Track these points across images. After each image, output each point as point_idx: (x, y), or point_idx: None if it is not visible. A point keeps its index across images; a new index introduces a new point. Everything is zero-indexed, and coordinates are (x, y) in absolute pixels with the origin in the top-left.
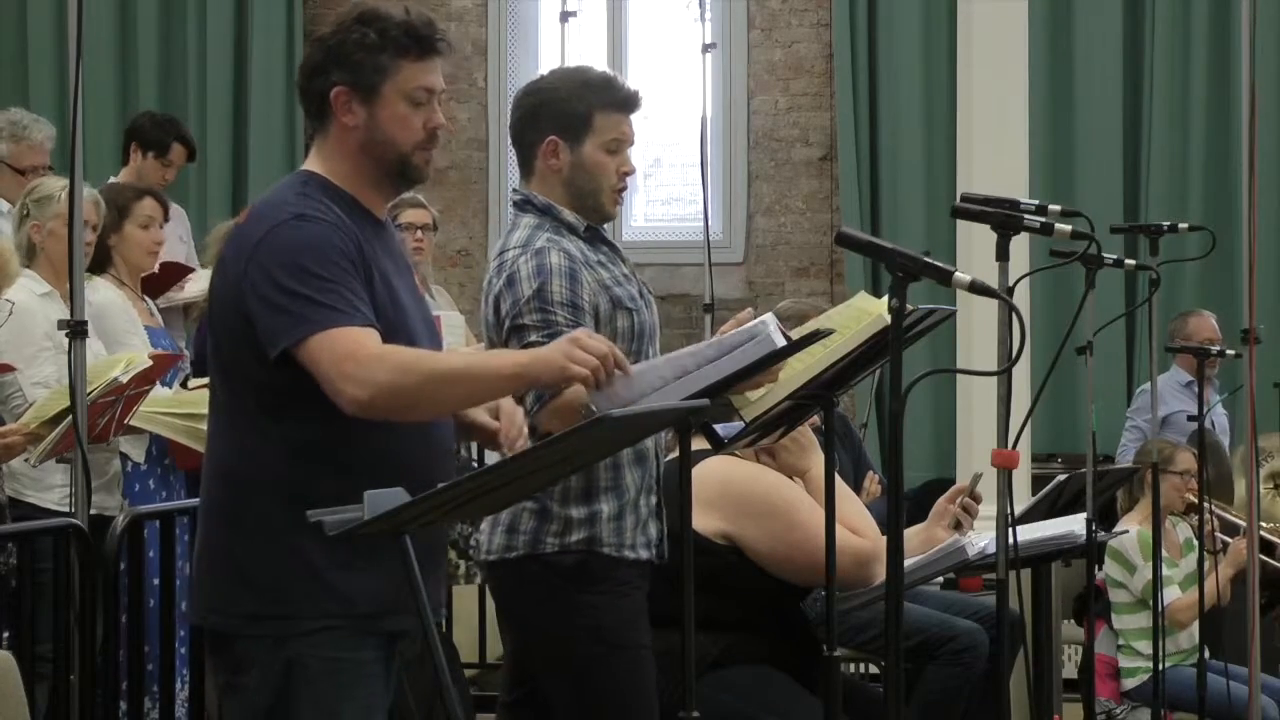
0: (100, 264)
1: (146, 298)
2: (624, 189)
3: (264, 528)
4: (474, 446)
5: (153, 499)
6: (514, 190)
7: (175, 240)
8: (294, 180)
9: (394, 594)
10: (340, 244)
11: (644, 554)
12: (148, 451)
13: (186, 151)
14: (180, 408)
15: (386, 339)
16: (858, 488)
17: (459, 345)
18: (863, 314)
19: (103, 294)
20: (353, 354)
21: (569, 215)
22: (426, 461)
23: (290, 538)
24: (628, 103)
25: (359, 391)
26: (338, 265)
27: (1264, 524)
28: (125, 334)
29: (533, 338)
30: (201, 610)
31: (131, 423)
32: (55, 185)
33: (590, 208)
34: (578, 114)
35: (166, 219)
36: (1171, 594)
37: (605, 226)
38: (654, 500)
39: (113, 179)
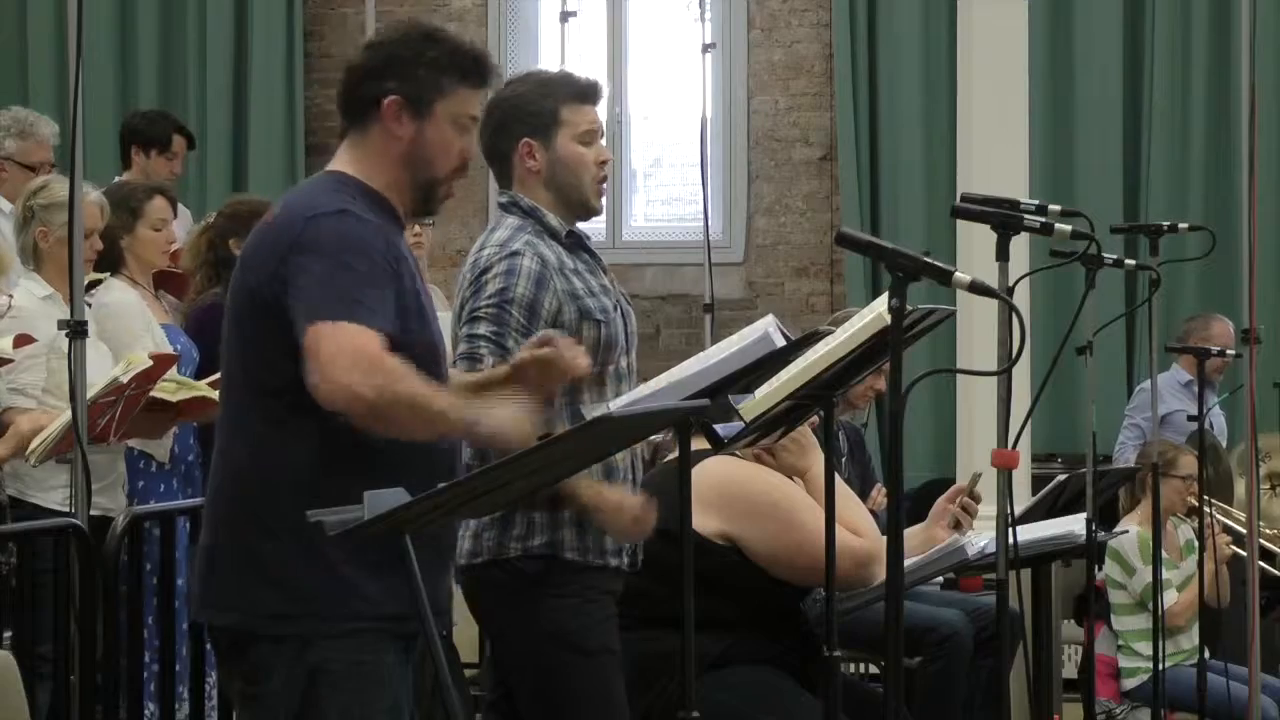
0: (113, 265)
1: (163, 295)
2: (605, 178)
3: (290, 528)
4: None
5: (176, 499)
6: (500, 193)
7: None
8: (328, 180)
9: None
10: (380, 245)
11: (613, 561)
12: (171, 450)
13: (186, 141)
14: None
15: (413, 346)
16: (864, 499)
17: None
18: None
19: (117, 294)
20: (352, 350)
21: (553, 220)
22: (451, 458)
23: (317, 539)
24: (589, 92)
25: (330, 388)
26: (374, 264)
27: (1263, 524)
28: (138, 335)
29: (481, 329)
30: (217, 607)
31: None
32: (64, 192)
33: (576, 202)
34: (545, 111)
35: (174, 215)
36: (1169, 598)
37: (590, 235)
38: None
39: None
